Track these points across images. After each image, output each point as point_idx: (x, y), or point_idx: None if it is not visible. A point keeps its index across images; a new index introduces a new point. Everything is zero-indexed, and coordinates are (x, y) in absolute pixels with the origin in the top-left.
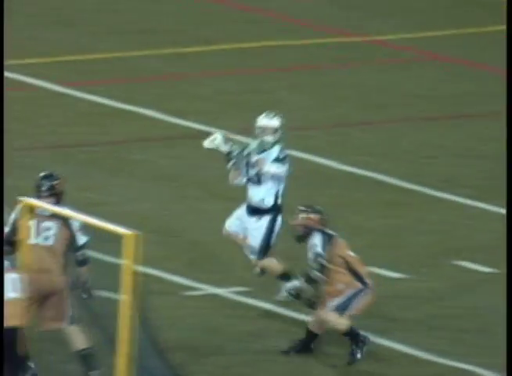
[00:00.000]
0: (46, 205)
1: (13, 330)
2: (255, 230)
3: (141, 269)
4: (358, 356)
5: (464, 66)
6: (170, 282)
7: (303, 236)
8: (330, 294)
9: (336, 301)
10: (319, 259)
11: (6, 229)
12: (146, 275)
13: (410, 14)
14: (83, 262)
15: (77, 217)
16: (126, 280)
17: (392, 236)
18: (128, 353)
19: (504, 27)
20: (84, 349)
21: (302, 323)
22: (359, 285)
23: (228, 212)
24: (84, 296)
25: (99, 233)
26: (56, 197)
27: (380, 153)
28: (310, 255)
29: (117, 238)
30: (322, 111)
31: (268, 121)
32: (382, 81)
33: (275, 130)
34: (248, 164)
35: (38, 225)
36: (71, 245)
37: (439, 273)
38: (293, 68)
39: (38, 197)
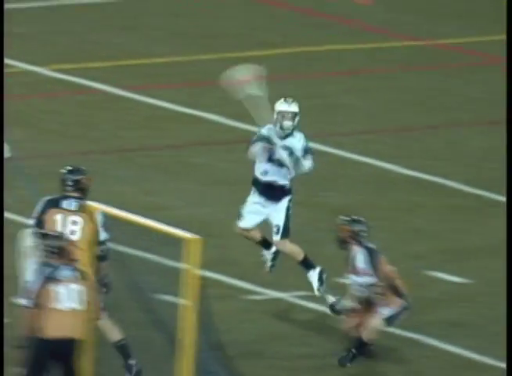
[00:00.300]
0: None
1: (69, 342)
2: (277, 212)
3: (202, 273)
4: (348, 364)
5: None
6: (231, 286)
7: (340, 245)
8: (371, 310)
9: (388, 312)
10: (369, 282)
11: (31, 222)
12: (207, 279)
13: (474, 18)
14: (103, 257)
15: (137, 220)
16: (188, 284)
17: (455, 240)
18: (189, 356)
19: None
20: (119, 340)
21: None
22: (401, 302)
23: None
24: (104, 291)
25: (160, 236)
26: (81, 191)
27: (444, 158)
28: (355, 276)
29: (177, 242)
30: (386, 115)
31: (287, 106)
32: (446, 84)
33: (295, 115)
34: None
35: (65, 220)
36: (95, 240)
37: (502, 278)
38: (357, 72)
39: (63, 191)
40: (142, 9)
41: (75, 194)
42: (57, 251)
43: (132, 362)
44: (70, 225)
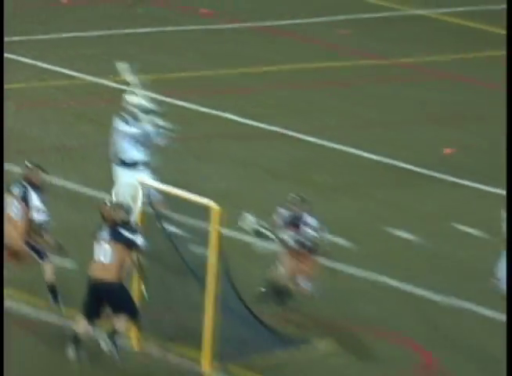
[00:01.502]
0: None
1: (101, 285)
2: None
3: (224, 233)
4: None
5: None
6: (249, 244)
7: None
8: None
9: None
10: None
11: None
12: (228, 238)
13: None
14: (41, 229)
15: (176, 192)
16: (213, 241)
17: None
18: (215, 295)
19: None
20: (50, 282)
21: None
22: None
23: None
24: (61, 255)
25: (192, 204)
26: (28, 182)
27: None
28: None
29: (205, 210)
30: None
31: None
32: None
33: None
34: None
35: (7, 202)
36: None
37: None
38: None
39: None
40: None
41: (24, 182)
42: (100, 214)
43: (58, 301)
44: (9, 206)
